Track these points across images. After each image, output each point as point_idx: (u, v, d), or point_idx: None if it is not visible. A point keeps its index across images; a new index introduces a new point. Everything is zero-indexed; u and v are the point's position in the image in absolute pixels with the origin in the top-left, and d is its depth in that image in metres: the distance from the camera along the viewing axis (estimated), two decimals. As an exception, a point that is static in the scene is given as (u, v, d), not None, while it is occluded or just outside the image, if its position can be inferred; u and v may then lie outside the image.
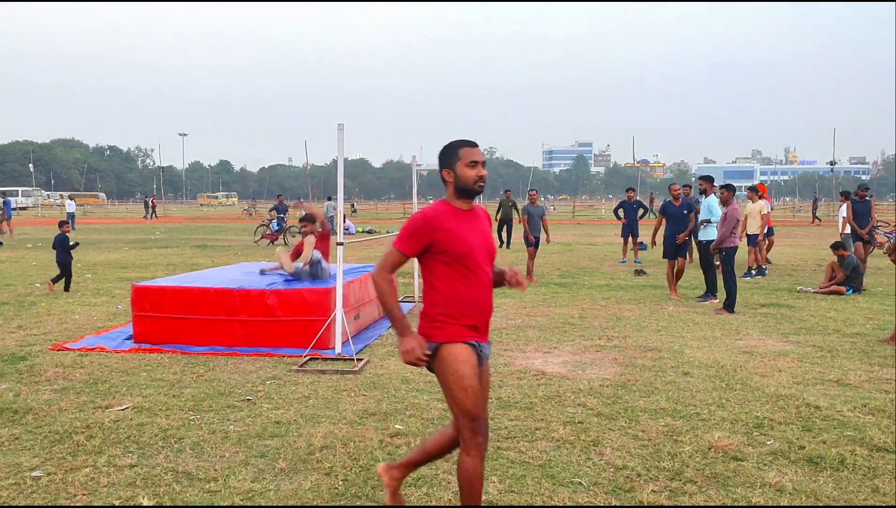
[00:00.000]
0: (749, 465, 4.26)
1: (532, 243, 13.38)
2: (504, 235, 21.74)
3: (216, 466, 4.24)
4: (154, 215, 50.50)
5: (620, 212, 17.67)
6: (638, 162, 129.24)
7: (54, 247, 12.13)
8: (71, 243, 12.10)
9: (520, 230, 22.46)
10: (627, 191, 18.16)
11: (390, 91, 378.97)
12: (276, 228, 24.39)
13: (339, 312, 7.06)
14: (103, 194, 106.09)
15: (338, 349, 7.01)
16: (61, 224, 12.80)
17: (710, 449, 4.50)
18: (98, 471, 4.15)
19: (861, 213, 13.63)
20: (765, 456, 4.41)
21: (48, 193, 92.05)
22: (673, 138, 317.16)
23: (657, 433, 4.82)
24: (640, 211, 17.69)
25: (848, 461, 4.33)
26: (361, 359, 6.84)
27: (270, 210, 26.58)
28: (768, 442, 4.64)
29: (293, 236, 23.71)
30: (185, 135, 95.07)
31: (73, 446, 4.53)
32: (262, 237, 24.19)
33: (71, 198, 37.80)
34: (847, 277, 11.57)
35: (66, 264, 11.93)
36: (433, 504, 3.79)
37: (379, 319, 9.14)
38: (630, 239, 17.41)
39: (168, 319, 7.54)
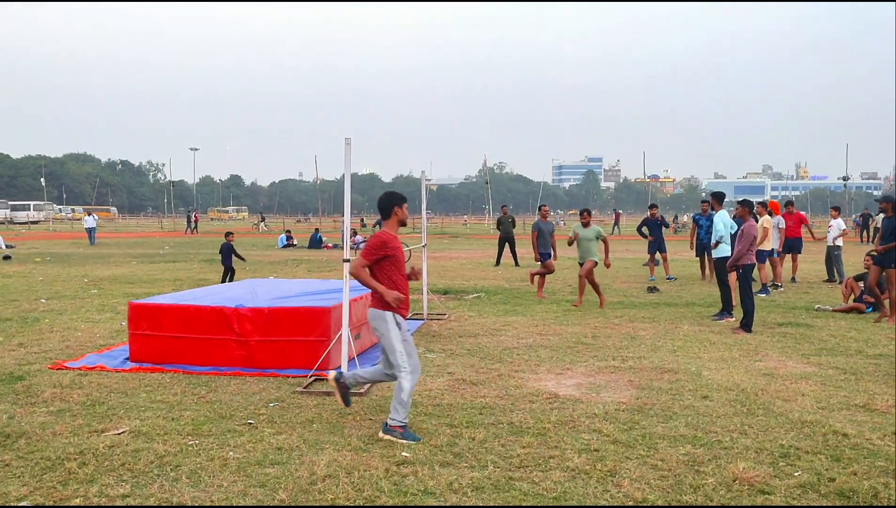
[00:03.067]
0: (777, 499, 4.02)
1: (544, 258, 13.16)
2: (506, 252, 21.04)
3: (213, 497, 4.02)
4: (196, 230, 49.96)
5: (645, 229, 17.14)
6: (648, 177, 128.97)
7: (220, 253, 15.52)
8: (237, 251, 15.68)
9: (522, 245, 22.19)
10: (651, 208, 17.40)
11: (399, 106, 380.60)
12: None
13: (345, 331, 6.85)
14: (115, 208, 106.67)
15: (344, 369, 6.79)
16: (227, 234, 15.77)
17: (734, 481, 4.24)
18: (88, 501, 3.94)
19: (889, 229, 10.72)
20: (793, 489, 4.16)
21: (60, 207, 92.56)
22: (683, 154, 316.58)
23: (677, 462, 4.58)
24: (664, 228, 17.20)
25: (882, 494, 4.07)
26: (368, 380, 6.61)
27: (375, 225, 25.61)
28: (796, 473, 4.39)
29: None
30: (197, 149, 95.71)
31: (64, 474, 4.32)
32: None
33: (90, 214, 36.10)
34: (863, 292, 11.28)
35: (229, 268, 15.19)
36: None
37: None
38: (657, 254, 16.71)
39: (165, 338, 7.32)
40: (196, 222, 51.22)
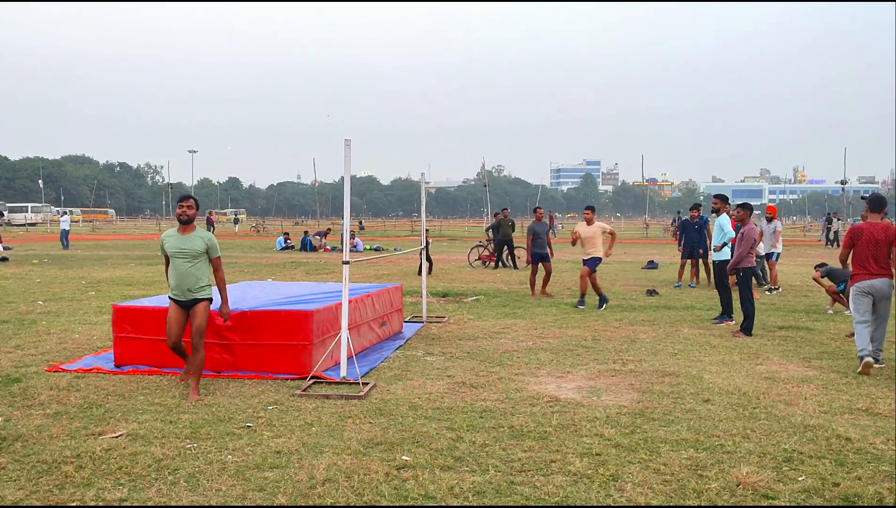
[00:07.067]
0: (782, 504, 3.97)
1: (535, 260, 13.36)
2: (506, 256, 20.96)
3: (211, 501, 3.98)
4: (213, 231, 49.14)
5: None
6: (646, 181, 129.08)
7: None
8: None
9: (521, 248, 22.08)
10: (692, 210, 16.22)
11: (398, 109, 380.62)
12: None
13: (344, 333, 6.81)
14: (113, 211, 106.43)
15: (343, 372, 6.75)
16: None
17: (738, 486, 4.21)
18: (85, 505, 3.89)
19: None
20: (797, 494, 4.12)
21: (58, 209, 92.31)
22: (681, 157, 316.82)
23: (680, 466, 4.54)
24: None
25: (887, 500, 4.04)
26: (367, 383, 6.57)
27: (487, 229, 23.50)
28: (800, 478, 4.35)
29: (520, 257, 22.32)
30: (195, 152, 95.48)
31: (60, 477, 4.27)
32: (478, 258, 21.93)
33: (65, 213, 32.95)
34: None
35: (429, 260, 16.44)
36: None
37: (383, 340, 8.88)
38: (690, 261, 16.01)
39: (149, 341, 7.17)
40: (213, 223, 50.61)
